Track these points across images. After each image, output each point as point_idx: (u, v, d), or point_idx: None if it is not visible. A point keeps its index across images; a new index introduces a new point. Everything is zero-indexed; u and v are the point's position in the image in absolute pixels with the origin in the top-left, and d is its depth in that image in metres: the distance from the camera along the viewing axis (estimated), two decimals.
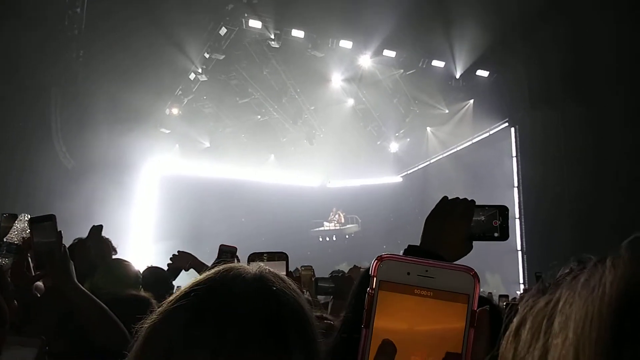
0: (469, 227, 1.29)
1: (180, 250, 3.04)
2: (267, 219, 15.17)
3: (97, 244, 2.58)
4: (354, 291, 1.18)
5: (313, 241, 17.08)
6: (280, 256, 1.46)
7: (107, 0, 10.24)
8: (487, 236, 1.30)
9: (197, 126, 14.74)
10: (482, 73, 12.18)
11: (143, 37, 10.30)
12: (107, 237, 2.79)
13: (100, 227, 2.63)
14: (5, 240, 1.77)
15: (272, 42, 11.63)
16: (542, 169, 10.69)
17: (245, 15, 11.03)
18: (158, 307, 0.76)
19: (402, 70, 12.83)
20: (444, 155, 14.81)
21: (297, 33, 11.48)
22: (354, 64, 12.77)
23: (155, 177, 15.14)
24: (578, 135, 9.53)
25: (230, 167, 16.18)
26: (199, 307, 0.72)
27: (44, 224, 1.68)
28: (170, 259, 3.04)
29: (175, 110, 13.76)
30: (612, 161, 8.51)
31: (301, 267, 3.29)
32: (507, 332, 0.49)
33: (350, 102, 14.58)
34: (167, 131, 14.35)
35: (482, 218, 1.30)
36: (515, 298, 4.76)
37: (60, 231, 1.68)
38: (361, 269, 2.66)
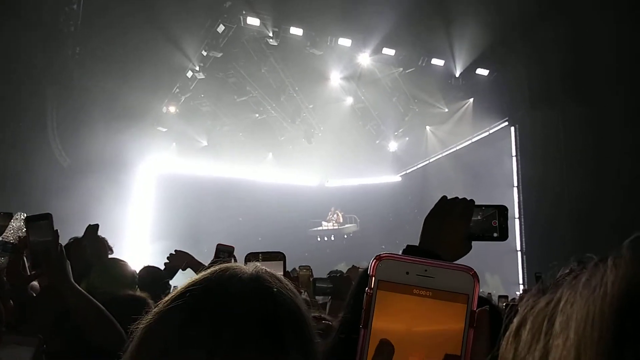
0: (468, 227, 1.29)
1: (177, 249, 3.02)
2: (264, 218, 15.13)
3: (93, 244, 2.57)
4: (352, 291, 1.17)
5: (311, 241, 17.05)
6: (278, 256, 1.46)
7: None
8: (486, 236, 1.30)
9: (194, 124, 14.68)
10: (482, 72, 12.12)
11: (140, 34, 10.26)
12: (103, 236, 2.78)
13: (97, 226, 2.62)
14: (1, 239, 1.76)
15: (271, 40, 11.59)
16: (542, 168, 10.68)
17: (243, 12, 10.99)
18: (154, 307, 0.76)
19: (401, 69, 12.79)
20: (444, 154, 14.78)
21: (296, 31, 11.43)
22: (352, 62, 12.72)
23: (152, 176, 15.08)
24: (578, 135, 9.53)
25: (228, 165, 16.12)
26: (195, 307, 0.71)
27: (40, 222, 1.68)
28: (167, 258, 3.03)
29: (172, 108, 13.72)
30: (612, 161, 8.53)
31: (299, 267, 3.28)
32: (507, 333, 0.48)
33: (349, 100, 14.54)
34: (164, 129, 14.30)
35: (482, 218, 1.30)
36: (514, 299, 4.76)
37: (56, 230, 1.68)
38: (360, 269, 2.65)
